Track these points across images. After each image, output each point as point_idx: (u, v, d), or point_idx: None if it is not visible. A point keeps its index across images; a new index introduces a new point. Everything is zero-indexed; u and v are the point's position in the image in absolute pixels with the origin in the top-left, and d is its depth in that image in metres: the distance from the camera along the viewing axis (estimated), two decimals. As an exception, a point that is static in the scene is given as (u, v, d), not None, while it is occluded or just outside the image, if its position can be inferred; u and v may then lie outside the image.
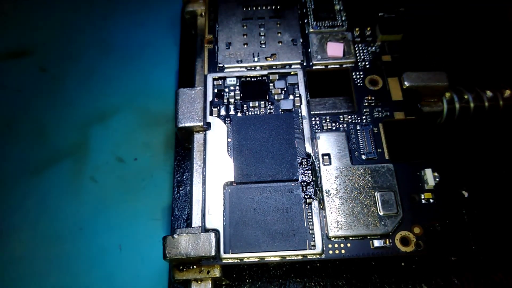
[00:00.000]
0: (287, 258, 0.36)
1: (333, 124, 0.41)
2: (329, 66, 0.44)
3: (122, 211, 0.47)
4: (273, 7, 0.48)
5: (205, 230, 0.36)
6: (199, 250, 0.35)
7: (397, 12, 0.46)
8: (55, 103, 0.54)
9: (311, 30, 0.46)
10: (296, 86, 0.43)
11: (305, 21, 0.47)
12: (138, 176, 0.49)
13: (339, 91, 0.43)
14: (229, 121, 0.41)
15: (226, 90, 0.43)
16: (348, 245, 0.36)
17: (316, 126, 0.41)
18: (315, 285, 0.38)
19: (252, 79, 0.44)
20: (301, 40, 0.46)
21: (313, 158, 0.39)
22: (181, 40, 0.52)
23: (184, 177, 0.44)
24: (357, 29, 0.46)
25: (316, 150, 0.39)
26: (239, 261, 0.36)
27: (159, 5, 0.61)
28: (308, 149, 0.39)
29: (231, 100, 0.42)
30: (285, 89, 0.43)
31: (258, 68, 0.44)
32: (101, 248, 0.45)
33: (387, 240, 0.36)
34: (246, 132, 0.41)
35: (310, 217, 0.36)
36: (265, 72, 0.44)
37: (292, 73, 0.44)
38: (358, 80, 0.43)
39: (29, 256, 0.45)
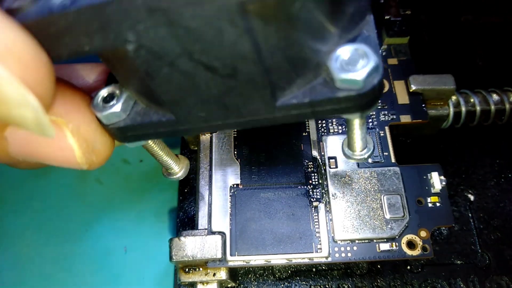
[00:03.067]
0: (293, 261, 0.36)
1: (340, 127, 0.41)
2: (335, 69, 0.44)
3: (128, 212, 0.47)
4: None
5: (211, 232, 0.36)
6: (205, 252, 0.35)
7: (403, 15, 0.46)
8: (61, 104, 0.54)
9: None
10: (302, 88, 0.43)
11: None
12: (144, 178, 0.49)
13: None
14: (235, 124, 0.41)
15: (232, 92, 0.43)
16: (355, 248, 0.36)
17: (323, 129, 0.41)
18: (320, 288, 0.38)
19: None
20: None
21: (320, 161, 0.39)
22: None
23: (190, 179, 0.44)
24: (363, 32, 0.46)
25: (323, 153, 0.39)
26: (245, 263, 0.36)
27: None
28: (315, 152, 0.39)
29: (237, 103, 0.42)
30: (291, 92, 0.43)
31: (264, 70, 0.44)
32: (106, 250, 0.45)
33: (394, 243, 0.36)
34: (252, 135, 0.41)
35: (317, 220, 0.36)
36: (271, 75, 0.44)
37: (298, 75, 0.44)
38: (364, 83, 0.43)
39: (35, 257, 0.45)
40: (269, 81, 0.21)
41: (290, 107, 0.23)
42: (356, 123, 0.28)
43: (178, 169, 0.34)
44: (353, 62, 0.21)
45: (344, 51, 0.21)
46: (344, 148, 0.32)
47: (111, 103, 0.24)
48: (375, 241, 0.36)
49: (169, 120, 0.24)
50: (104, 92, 0.25)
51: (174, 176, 0.34)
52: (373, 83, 0.21)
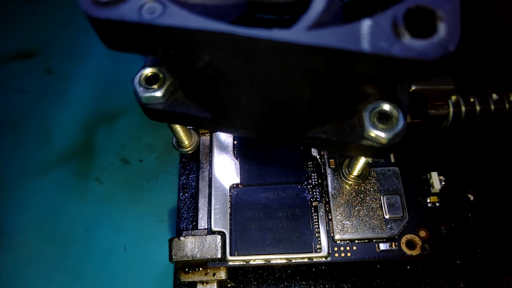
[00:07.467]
0: (293, 261, 0.36)
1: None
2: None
3: (128, 212, 0.47)
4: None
5: (211, 232, 0.36)
6: (205, 252, 0.35)
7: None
8: (61, 104, 0.54)
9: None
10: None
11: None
12: (144, 178, 0.49)
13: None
14: (235, 124, 0.41)
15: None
16: (354, 248, 0.36)
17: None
18: (320, 288, 0.38)
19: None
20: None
21: (319, 161, 0.39)
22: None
23: (189, 179, 0.44)
24: (363, 32, 0.46)
25: (322, 153, 0.39)
26: (244, 263, 0.36)
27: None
28: (314, 152, 0.39)
29: (237, 103, 0.43)
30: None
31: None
32: (106, 250, 0.45)
33: (393, 243, 0.36)
34: (252, 134, 0.41)
35: (316, 220, 0.36)
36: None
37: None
38: (364, 83, 0.43)
39: (35, 257, 0.45)
40: (308, 117, 0.24)
41: (318, 139, 0.25)
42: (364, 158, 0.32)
43: (189, 144, 0.38)
44: (384, 121, 0.24)
45: (379, 107, 0.24)
46: (343, 169, 0.37)
47: (154, 86, 0.26)
48: (374, 241, 0.36)
49: (205, 118, 0.26)
50: (148, 72, 0.26)
51: (183, 150, 0.39)
52: (395, 142, 0.24)
